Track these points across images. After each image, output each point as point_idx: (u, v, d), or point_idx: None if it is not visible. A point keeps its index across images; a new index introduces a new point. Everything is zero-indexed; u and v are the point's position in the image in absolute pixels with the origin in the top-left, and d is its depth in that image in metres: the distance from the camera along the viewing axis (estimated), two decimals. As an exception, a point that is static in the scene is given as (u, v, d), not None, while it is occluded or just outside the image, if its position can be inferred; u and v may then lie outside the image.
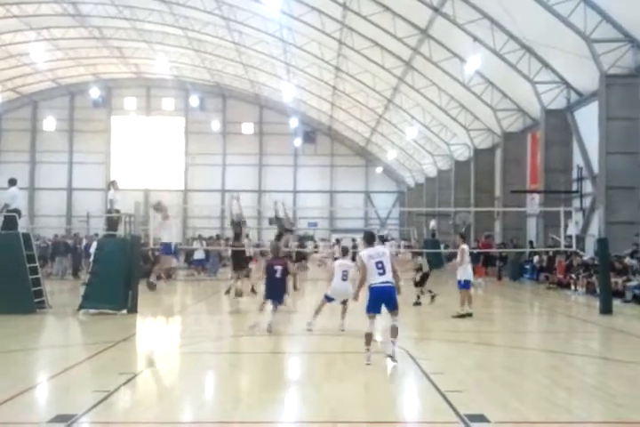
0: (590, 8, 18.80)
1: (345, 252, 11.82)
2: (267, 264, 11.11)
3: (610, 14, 18.84)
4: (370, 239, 8.58)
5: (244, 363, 8.73)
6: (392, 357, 8.00)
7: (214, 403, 6.73)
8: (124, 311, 13.12)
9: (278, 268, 10.78)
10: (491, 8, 22.18)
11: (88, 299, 13.28)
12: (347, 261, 11.06)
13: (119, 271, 13.37)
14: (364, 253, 8.28)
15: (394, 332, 8.12)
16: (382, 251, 8.32)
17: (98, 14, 36.75)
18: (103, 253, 14.01)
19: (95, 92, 48.43)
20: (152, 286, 12.22)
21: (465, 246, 13.28)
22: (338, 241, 38.45)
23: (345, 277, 10.46)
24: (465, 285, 12.87)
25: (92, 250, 16.22)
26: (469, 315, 12.60)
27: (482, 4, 22.48)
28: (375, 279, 8.02)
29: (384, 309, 8.15)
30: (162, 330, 12.20)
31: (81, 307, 13.25)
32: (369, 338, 8.08)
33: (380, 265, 8.04)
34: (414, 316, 13.81)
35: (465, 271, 12.97)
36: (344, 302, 10.77)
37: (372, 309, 8.07)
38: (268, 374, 7.94)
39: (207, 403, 6.71)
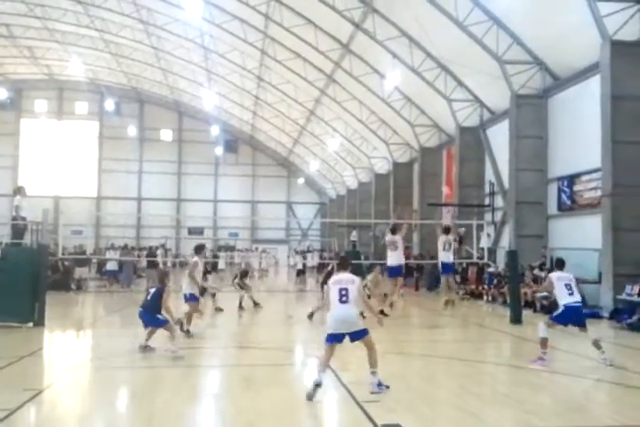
0: (503, 31, 19.72)
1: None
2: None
3: (521, 37, 19.83)
4: (344, 264, 8.02)
5: (157, 377, 8.45)
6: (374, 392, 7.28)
7: (125, 419, 6.47)
8: (30, 324, 12.46)
9: (151, 290, 10.24)
10: (409, 27, 22.86)
11: (-10, 311, 12.51)
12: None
13: (25, 282, 12.68)
14: (332, 279, 7.82)
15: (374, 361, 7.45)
16: (352, 278, 7.69)
17: (6, 11, 35.10)
18: (8, 262, 13.24)
19: (3, 93, 46.02)
20: (188, 333, 11.34)
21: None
22: (264, 251, 38.21)
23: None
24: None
25: (-4, 259, 15.34)
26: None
27: (401, 22, 23.13)
28: (337, 307, 7.44)
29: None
30: (70, 344, 11.65)
31: (-18, 320, 12.46)
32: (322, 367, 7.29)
33: (343, 293, 7.50)
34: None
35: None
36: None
37: (332, 339, 7.39)
38: (182, 389, 7.72)
39: (117, 419, 6.43)
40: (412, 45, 23.75)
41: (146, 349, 9.92)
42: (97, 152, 51.75)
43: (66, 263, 23.01)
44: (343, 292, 7.54)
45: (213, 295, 16.49)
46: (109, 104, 47.60)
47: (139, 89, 49.60)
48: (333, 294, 7.55)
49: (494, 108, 24.39)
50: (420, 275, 26.12)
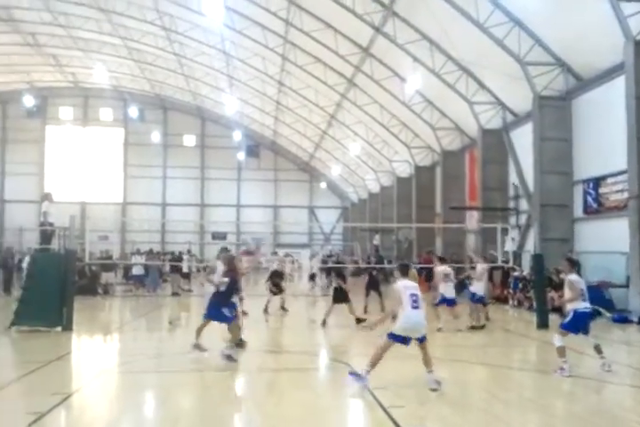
0: (524, 32, 19.58)
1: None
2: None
3: (542, 39, 19.67)
4: (405, 271, 8.16)
5: (183, 381, 8.53)
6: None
7: (152, 423, 6.54)
8: (59, 329, 12.65)
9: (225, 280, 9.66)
10: (430, 29, 22.81)
11: (20, 316, 12.74)
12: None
13: (53, 287, 12.89)
14: (399, 284, 7.95)
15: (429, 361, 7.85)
16: (416, 285, 7.93)
17: (32, 20, 35.76)
18: (36, 267, 13.49)
19: (29, 101, 46.86)
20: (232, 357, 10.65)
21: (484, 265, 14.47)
22: (287, 256, 38.34)
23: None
24: (479, 299, 14.07)
25: (25, 265, 15.62)
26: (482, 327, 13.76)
27: (421, 25, 23.09)
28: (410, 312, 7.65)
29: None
30: (98, 348, 11.81)
31: (12, 324, 12.68)
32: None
33: (415, 298, 7.71)
34: (355, 331, 13.87)
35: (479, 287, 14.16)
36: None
37: (397, 339, 7.68)
38: (209, 393, 7.79)
39: (145, 424, 6.51)
40: (433, 48, 23.70)
41: (197, 347, 9.76)
42: (122, 158, 52.35)
43: (93, 268, 23.33)
44: (414, 297, 7.72)
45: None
46: (133, 111, 48.19)
47: (162, 95, 50.13)
48: (406, 299, 7.71)
49: (517, 110, 24.21)
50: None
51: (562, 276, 15.68)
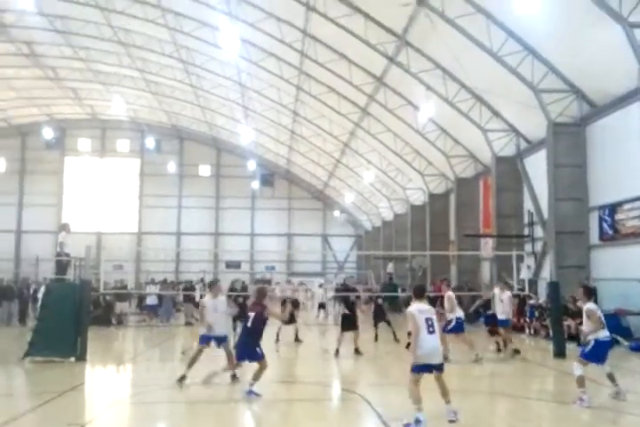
0: (537, 60, 19.71)
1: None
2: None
3: (556, 66, 19.77)
4: (420, 293, 7.96)
5: (196, 412, 8.45)
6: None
7: (165, 456, 6.46)
8: (73, 359, 12.64)
9: (251, 315, 8.98)
10: (443, 58, 23.04)
11: (34, 346, 12.76)
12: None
13: (68, 317, 12.92)
14: (413, 307, 7.69)
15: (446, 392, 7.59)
16: (432, 309, 7.77)
17: (52, 55, 36.67)
18: (51, 298, 13.56)
19: (48, 133, 47.72)
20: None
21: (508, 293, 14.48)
22: (301, 284, 38.23)
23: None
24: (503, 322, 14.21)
25: (40, 295, 15.70)
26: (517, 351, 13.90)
27: (434, 54, 23.34)
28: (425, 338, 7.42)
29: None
30: (112, 378, 11.76)
31: (27, 354, 12.69)
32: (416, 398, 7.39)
33: (430, 322, 7.50)
34: (370, 360, 13.71)
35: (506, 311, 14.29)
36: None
37: (422, 369, 7.49)
38: (221, 424, 7.70)
39: (157, 456, 6.43)
40: (446, 77, 23.90)
41: (234, 378, 9.68)
42: (138, 188, 52.90)
43: (107, 298, 23.38)
44: (429, 322, 7.46)
45: None
46: (150, 142, 48.86)
47: (178, 126, 50.86)
48: (421, 324, 7.42)
49: (531, 137, 24.22)
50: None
51: (579, 304, 15.49)
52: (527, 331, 19.35)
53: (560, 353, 13.64)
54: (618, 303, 17.17)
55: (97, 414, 8.23)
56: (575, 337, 15.93)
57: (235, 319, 15.28)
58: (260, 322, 8.90)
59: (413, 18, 21.59)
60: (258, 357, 8.94)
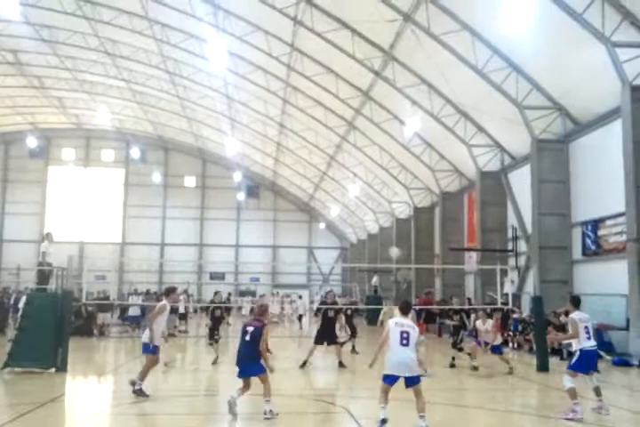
0: (522, 77, 19.99)
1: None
2: (242, 326, 9.18)
3: (540, 83, 20.07)
4: (405, 310, 8.21)
5: (177, 425, 8.35)
6: None
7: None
8: (53, 370, 12.45)
9: (249, 329, 8.76)
10: (429, 74, 23.29)
11: (14, 357, 12.55)
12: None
13: (49, 328, 12.75)
14: (392, 320, 8.06)
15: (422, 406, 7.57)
16: (413, 325, 7.96)
17: (38, 64, 36.52)
18: (32, 308, 13.37)
19: (32, 142, 47.45)
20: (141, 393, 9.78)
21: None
22: (287, 296, 38.07)
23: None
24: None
25: (21, 305, 15.49)
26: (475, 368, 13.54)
27: (420, 69, 23.59)
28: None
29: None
30: (93, 390, 11.61)
31: (5, 365, 12.49)
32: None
33: (405, 335, 7.70)
34: (353, 373, 13.66)
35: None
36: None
37: (390, 379, 7.63)
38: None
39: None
40: (432, 92, 24.14)
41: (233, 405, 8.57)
42: (122, 199, 52.61)
43: (89, 309, 23.10)
44: (405, 335, 7.69)
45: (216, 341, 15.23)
46: (135, 152, 48.70)
47: (164, 137, 50.77)
48: (394, 336, 7.69)
49: (515, 152, 24.48)
50: (443, 321, 25.68)
51: (562, 319, 15.60)
52: (510, 345, 19.40)
53: (543, 367, 13.69)
54: (600, 318, 17.26)
55: (77, 426, 8.12)
56: (558, 351, 16.03)
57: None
58: (259, 337, 8.68)
59: (400, 34, 21.84)
60: (262, 370, 8.61)
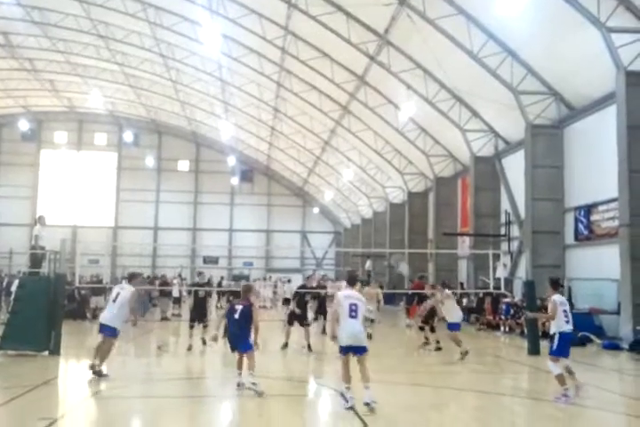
0: (517, 62, 19.92)
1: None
2: (229, 305, 9.57)
3: (535, 68, 20.00)
4: (351, 282, 8.58)
5: (170, 407, 8.41)
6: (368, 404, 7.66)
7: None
8: (46, 353, 12.48)
9: (238, 308, 9.08)
10: (424, 59, 23.16)
11: (7, 339, 12.57)
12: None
13: (41, 311, 12.76)
14: (340, 293, 8.30)
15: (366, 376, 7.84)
16: (360, 296, 8.29)
17: (30, 46, 36.08)
18: (25, 291, 13.35)
19: (24, 125, 47.04)
20: (100, 373, 9.87)
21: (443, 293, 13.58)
22: (279, 280, 38.07)
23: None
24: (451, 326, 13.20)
25: (14, 288, 15.46)
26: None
27: (415, 54, 23.45)
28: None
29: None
30: (85, 373, 11.63)
31: (-2, 348, 12.51)
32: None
33: (354, 308, 7.99)
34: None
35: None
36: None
37: (346, 350, 7.97)
38: (197, 419, 7.67)
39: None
40: (427, 77, 24.02)
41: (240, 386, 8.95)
42: (115, 182, 52.35)
43: (82, 292, 23.11)
44: (353, 307, 8.02)
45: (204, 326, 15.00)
46: (128, 135, 48.40)
47: (157, 121, 50.43)
48: (344, 309, 7.99)
49: (509, 138, 24.46)
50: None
51: (546, 303, 15.62)
52: (502, 329, 19.58)
53: (534, 351, 13.81)
54: (591, 302, 17.46)
55: (70, 409, 8.16)
56: (548, 335, 16.17)
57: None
58: (248, 315, 9.02)
59: (395, 18, 21.67)
60: (249, 347, 9.01)
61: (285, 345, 14.22)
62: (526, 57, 19.82)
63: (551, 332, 8.87)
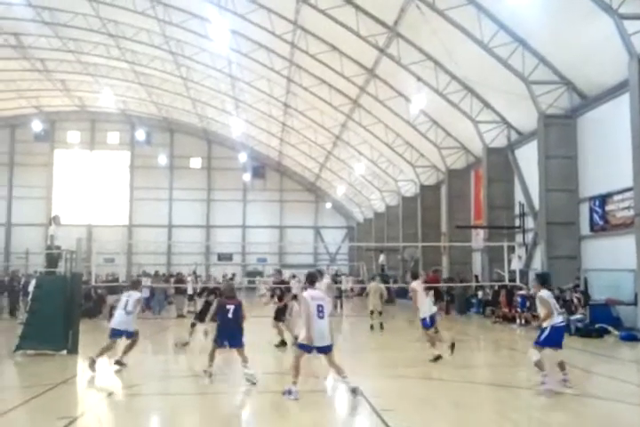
0: (528, 51, 19.72)
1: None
2: (218, 304, 9.91)
3: (547, 57, 19.80)
4: (311, 281, 8.57)
5: (188, 404, 8.45)
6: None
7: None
8: (64, 352, 12.58)
9: (231, 307, 9.55)
10: (434, 50, 23.01)
11: (25, 339, 12.69)
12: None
13: (59, 310, 12.87)
14: (306, 293, 8.36)
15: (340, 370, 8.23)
16: (323, 295, 8.43)
17: (41, 46, 36.30)
18: (42, 291, 13.47)
19: (37, 125, 47.40)
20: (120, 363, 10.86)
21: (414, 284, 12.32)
22: (294, 276, 38.05)
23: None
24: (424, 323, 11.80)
25: (31, 288, 15.60)
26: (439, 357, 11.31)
27: (425, 46, 23.30)
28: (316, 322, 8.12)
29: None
30: (103, 371, 11.72)
31: (18, 348, 12.62)
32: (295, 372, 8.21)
33: (320, 308, 8.14)
34: (361, 351, 13.75)
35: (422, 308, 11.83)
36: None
37: (305, 349, 8.21)
38: (215, 416, 7.71)
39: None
40: (437, 68, 23.87)
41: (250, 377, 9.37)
42: (128, 181, 52.66)
43: (98, 291, 23.29)
44: (320, 308, 8.17)
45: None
46: (140, 134, 48.56)
47: (169, 118, 50.59)
48: (312, 310, 8.13)
49: (522, 128, 24.27)
50: (451, 298, 25.76)
51: (533, 294, 15.13)
52: (518, 321, 19.47)
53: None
54: (608, 293, 17.30)
55: (89, 407, 8.22)
56: (565, 327, 16.04)
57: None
58: (240, 313, 9.58)
59: (404, 9, 21.53)
60: (242, 344, 9.53)
61: (283, 343, 14.02)
62: (537, 46, 19.62)
63: (544, 325, 8.87)
